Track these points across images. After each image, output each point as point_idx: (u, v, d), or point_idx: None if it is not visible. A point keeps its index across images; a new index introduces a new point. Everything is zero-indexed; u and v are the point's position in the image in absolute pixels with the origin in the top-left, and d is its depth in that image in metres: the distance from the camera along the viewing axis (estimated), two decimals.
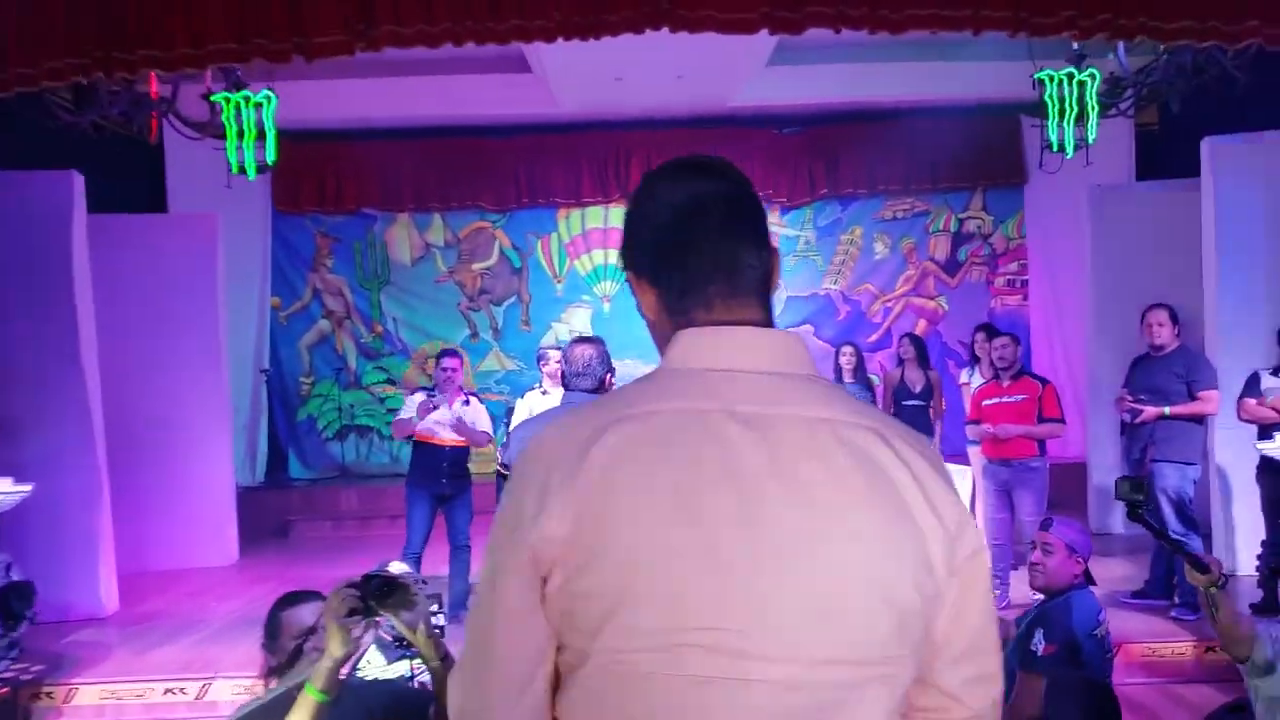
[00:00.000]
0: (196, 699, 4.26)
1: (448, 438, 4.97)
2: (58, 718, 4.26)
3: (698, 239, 0.92)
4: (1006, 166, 8.49)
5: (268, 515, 7.64)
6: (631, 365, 6.13)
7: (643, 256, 0.95)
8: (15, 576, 4.18)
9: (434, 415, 4.93)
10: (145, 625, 5.18)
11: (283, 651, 1.84)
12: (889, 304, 8.76)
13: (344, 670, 1.52)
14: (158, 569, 6.27)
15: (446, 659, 1.52)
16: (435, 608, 2.25)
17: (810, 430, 0.84)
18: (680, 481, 0.82)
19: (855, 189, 8.57)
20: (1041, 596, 2.86)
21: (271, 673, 1.86)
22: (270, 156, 5.40)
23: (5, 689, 4.11)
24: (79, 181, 5.50)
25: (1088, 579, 2.70)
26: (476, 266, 8.72)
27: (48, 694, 4.26)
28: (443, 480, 4.96)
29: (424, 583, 2.92)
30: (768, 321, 0.93)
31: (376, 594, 1.46)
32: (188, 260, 6.53)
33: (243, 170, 5.34)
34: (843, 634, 0.82)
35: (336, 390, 8.53)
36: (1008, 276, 8.77)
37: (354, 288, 8.69)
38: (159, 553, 6.34)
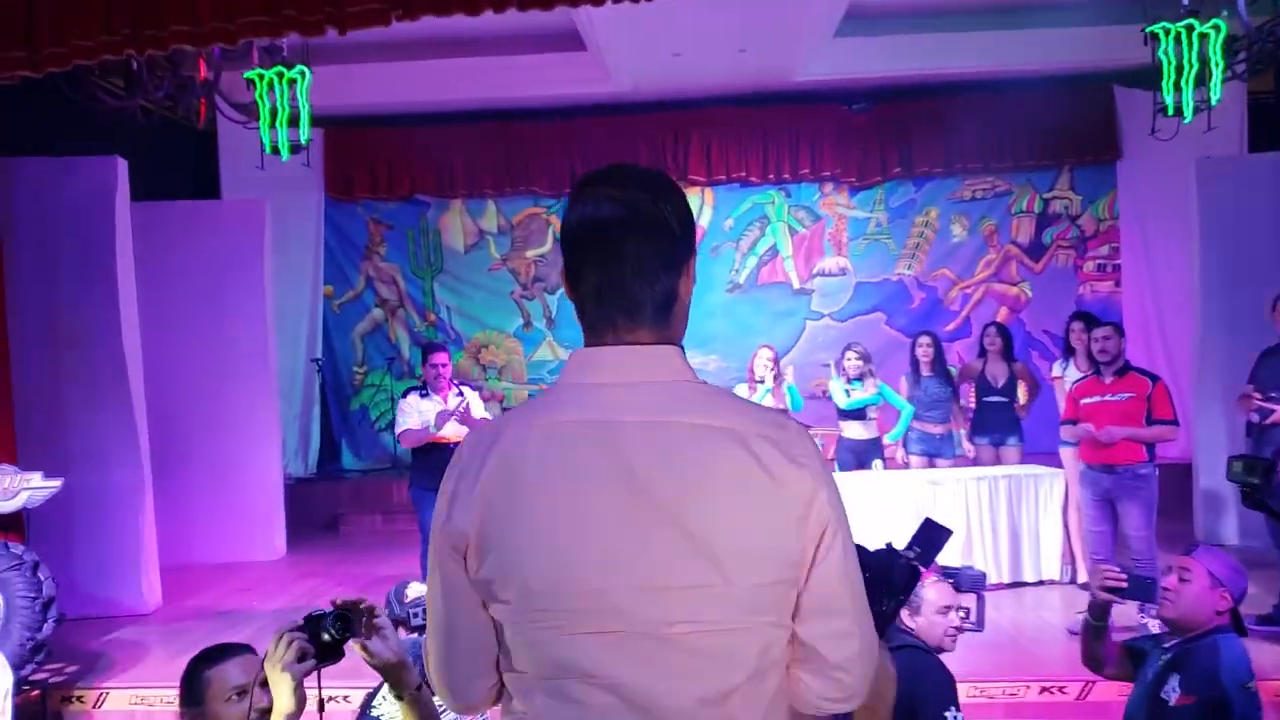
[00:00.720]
0: None
1: (451, 433, 4.74)
2: None
3: (598, 264, 1.03)
4: (1097, 141, 7.83)
5: (317, 508, 7.54)
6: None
7: (565, 265, 1.07)
8: (44, 576, 4.05)
9: (425, 407, 4.77)
10: (186, 623, 5.06)
11: (208, 716, 1.58)
12: (968, 290, 8.19)
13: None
14: (203, 563, 6.20)
15: (421, 688, 1.35)
16: None
17: (667, 434, 0.99)
18: (557, 483, 0.99)
19: (930, 168, 8.02)
20: (1163, 628, 2.42)
21: None
22: (304, 136, 5.15)
23: (35, 692, 4.01)
24: (123, 166, 5.43)
25: (1237, 626, 2.20)
26: (530, 253, 8.47)
27: (78, 697, 4.16)
28: None
29: None
30: (661, 336, 1.04)
31: (336, 628, 1.30)
32: (235, 247, 6.43)
33: (276, 150, 5.11)
34: (696, 606, 0.97)
35: (389, 380, 8.39)
36: (1098, 261, 8.11)
37: (407, 276, 8.53)
38: (205, 547, 6.27)
